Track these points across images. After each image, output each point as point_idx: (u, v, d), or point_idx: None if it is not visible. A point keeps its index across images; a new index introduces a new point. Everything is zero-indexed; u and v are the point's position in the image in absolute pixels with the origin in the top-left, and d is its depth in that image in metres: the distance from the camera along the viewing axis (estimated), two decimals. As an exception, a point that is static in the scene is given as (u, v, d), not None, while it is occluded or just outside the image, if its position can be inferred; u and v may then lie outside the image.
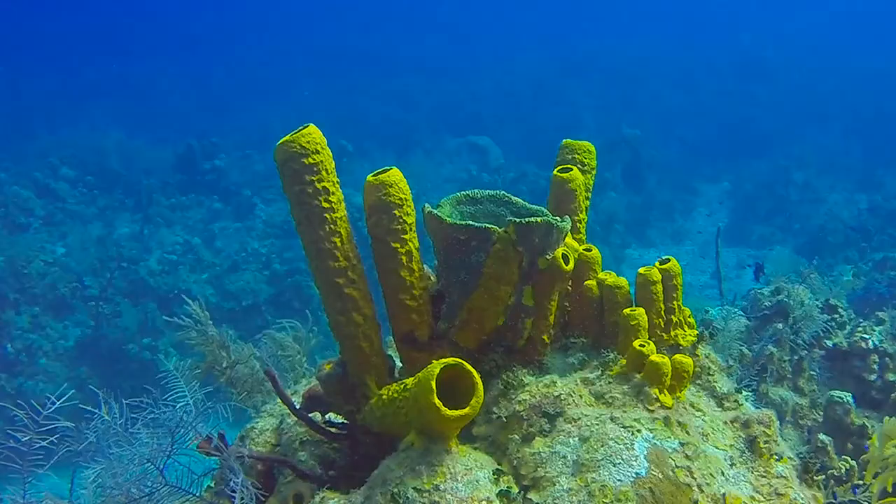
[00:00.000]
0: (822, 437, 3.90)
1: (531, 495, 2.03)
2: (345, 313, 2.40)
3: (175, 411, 2.49)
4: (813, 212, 14.62)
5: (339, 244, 2.32)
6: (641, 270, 2.47)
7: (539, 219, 2.31)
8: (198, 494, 2.45)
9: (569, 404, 2.22)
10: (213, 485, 3.09)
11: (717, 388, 2.47)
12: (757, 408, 2.81)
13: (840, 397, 4.42)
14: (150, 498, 2.38)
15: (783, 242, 13.64)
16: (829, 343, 5.01)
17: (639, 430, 2.09)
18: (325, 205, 2.27)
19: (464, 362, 1.93)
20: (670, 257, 2.50)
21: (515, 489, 2.05)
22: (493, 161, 16.37)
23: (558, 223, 2.35)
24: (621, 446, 2.04)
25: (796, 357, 4.85)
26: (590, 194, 2.95)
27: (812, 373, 4.80)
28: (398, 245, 2.36)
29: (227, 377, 3.53)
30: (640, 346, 2.27)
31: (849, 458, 3.84)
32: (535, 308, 2.47)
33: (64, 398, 2.30)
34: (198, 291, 11.84)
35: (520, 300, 2.45)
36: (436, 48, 28.55)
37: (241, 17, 35.31)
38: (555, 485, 2.02)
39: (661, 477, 1.99)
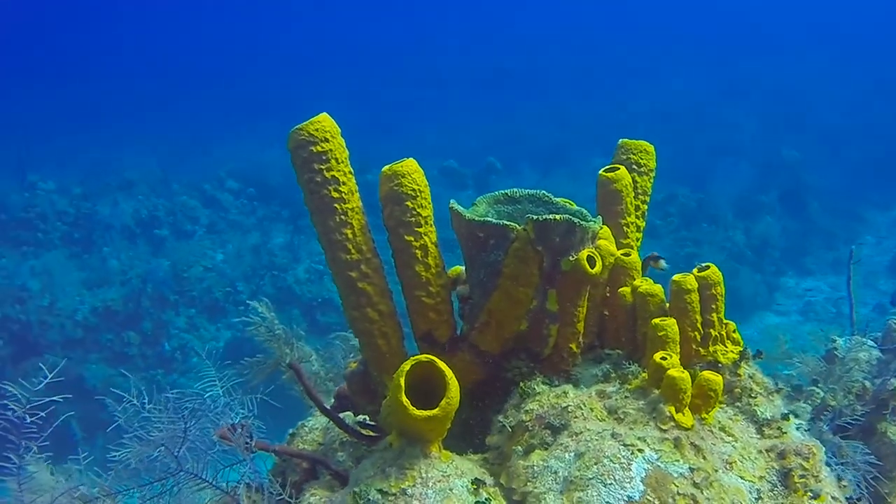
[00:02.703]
0: (944, 488, 3.40)
1: (517, 510, 1.87)
2: (358, 308, 2.34)
3: (194, 399, 2.52)
4: None
5: (350, 236, 2.27)
6: (676, 277, 2.24)
7: (559, 216, 2.15)
8: (212, 482, 2.45)
9: (576, 417, 2.04)
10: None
11: (759, 413, 2.19)
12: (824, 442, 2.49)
13: (979, 446, 3.85)
14: (166, 483, 2.42)
15: (963, 277, 12.28)
16: (975, 384, 4.39)
17: (641, 450, 1.87)
18: (335, 195, 2.23)
19: (436, 360, 1.81)
20: (710, 264, 2.26)
21: (496, 502, 1.90)
22: (642, 181, 15.82)
23: (581, 223, 2.17)
24: (616, 465, 1.83)
25: (932, 397, 4.28)
26: (647, 198, 2.73)
27: (948, 416, 4.21)
28: (412, 238, 2.28)
29: (289, 374, 3.55)
30: (662, 358, 2.05)
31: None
32: (559, 314, 2.30)
33: (56, 370, 2.37)
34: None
35: (543, 304, 2.29)
36: (594, 68, 28.18)
37: (400, 39, 36.53)
38: (540, 502, 1.85)
39: (657, 503, 1.77)
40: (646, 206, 2.73)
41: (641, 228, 2.72)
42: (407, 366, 1.79)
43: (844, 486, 2.27)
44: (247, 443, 2.39)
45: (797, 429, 2.21)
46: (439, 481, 1.84)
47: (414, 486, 1.82)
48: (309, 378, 2.68)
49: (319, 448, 3.08)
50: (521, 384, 2.24)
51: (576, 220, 2.16)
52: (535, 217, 2.16)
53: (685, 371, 2.00)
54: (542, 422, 2.06)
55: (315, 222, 2.29)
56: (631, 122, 21.40)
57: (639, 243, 2.72)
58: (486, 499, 1.87)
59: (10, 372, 10.37)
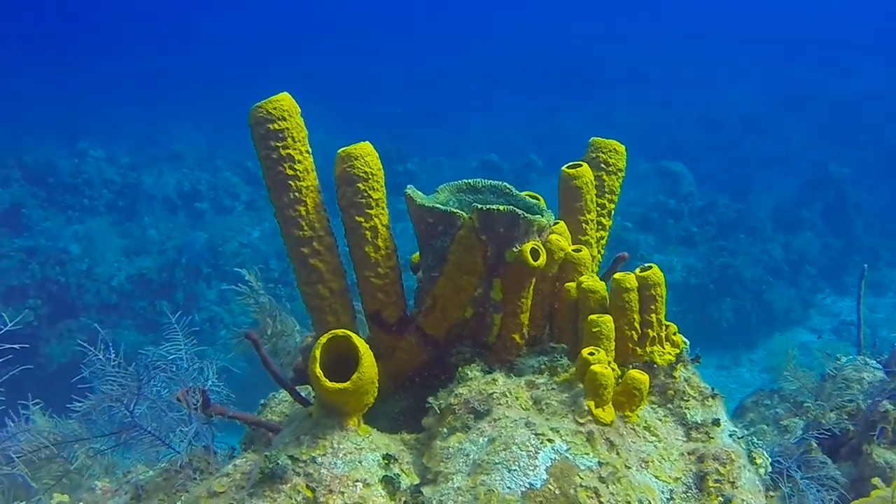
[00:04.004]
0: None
1: (426, 489, 1.92)
2: (309, 284, 2.41)
3: (158, 361, 2.63)
4: None
5: (303, 213, 2.33)
6: (616, 276, 2.25)
7: (502, 207, 2.19)
8: (163, 439, 2.55)
9: (500, 404, 2.08)
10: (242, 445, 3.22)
11: (689, 417, 2.19)
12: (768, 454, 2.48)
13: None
14: (119, 436, 2.53)
15: None
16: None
17: (551, 440, 1.90)
18: (290, 172, 2.30)
19: (352, 335, 1.87)
20: (653, 265, 2.27)
21: (408, 478, 1.95)
22: (684, 188, 15.64)
23: (525, 215, 2.21)
24: (523, 453, 1.87)
25: (926, 423, 4.19)
26: (615, 197, 2.74)
27: (943, 444, 4.11)
28: (362, 219, 2.34)
29: (271, 345, 3.65)
30: (590, 353, 2.08)
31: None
32: (503, 304, 2.33)
33: (16, 320, 2.49)
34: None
35: (488, 293, 2.33)
36: (649, 73, 27.83)
37: (457, 34, 36.63)
38: (448, 482, 1.90)
39: (557, 493, 1.80)
40: (613, 206, 2.73)
41: (607, 227, 2.73)
42: (324, 339, 1.85)
43: (772, 497, 2.26)
44: (195, 405, 2.47)
45: (730, 436, 2.21)
46: (350, 453, 1.90)
47: (324, 455, 1.88)
48: (266, 348, 2.76)
49: (285, 419, 3.17)
50: (459, 369, 2.29)
51: (519, 211, 2.19)
52: (479, 206, 2.20)
53: (608, 367, 2.02)
54: (467, 406, 2.11)
55: (271, 198, 2.36)
56: (678, 128, 21.16)
57: (603, 241, 2.73)
58: (395, 474, 1.92)
59: (45, 331, 10.72)
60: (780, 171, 17.46)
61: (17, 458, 2.51)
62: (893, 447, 4.14)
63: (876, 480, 2.04)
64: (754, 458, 2.50)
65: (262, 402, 3.43)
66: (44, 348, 10.10)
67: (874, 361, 4.64)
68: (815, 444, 4.25)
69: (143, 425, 2.55)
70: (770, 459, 2.79)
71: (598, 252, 2.71)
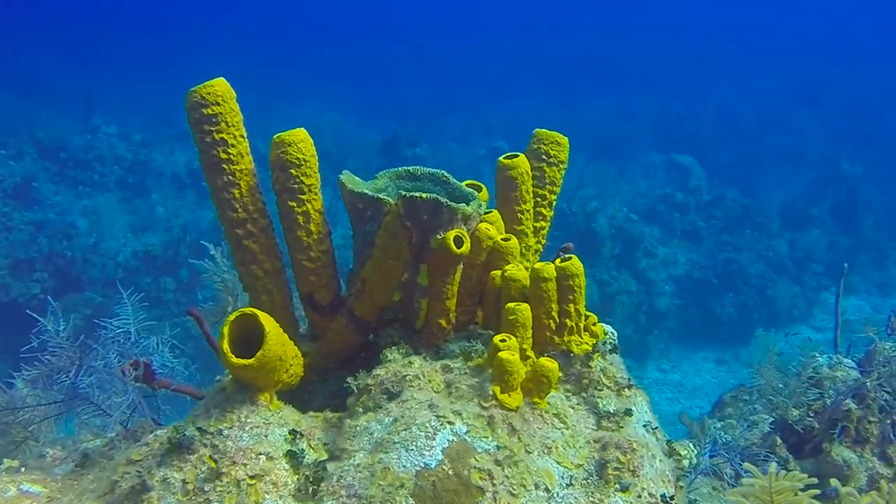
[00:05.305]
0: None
1: (330, 464, 1.98)
2: (244, 265, 2.47)
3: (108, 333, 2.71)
4: None
5: (237, 195, 2.39)
6: (536, 265, 2.30)
7: (425, 195, 2.24)
8: (104, 409, 2.64)
9: (412, 386, 2.14)
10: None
11: (601, 406, 2.24)
12: (711, 453, 2.53)
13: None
14: (63, 405, 2.62)
15: None
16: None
17: (451, 423, 1.96)
18: (223, 155, 2.35)
19: (258, 314, 1.93)
20: (573, 255, 2.31)
21: (315, 454, 2.02)
22: (692, 181, 15.57)
23: (448, 203, 2.26)
24: (421, 433, 1.93)
25: (889, 421, 4.21)
26: (556, 188, 2.77)
27: (907, 442, 4.13)
28: (294, 204, 2.40)
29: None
30: (501, 340, 2.13)
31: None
32: (429, 289, 2.39)
33: None
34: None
35: (414, 278, 2.39)
36: (663, 66, 27.66)
37: (476, 23, 36.58)
38: (351, 458, 1.96)
39: (450, 473, 1.86)
40: (554, 196, 2.77)
41: (547, 217, 2.76)
42: (233, 316, 1.92)
43: (681, 487, 2.31)
44: (136, 377, 2.56)
45: (644, 426, 2.26)
46: (258, 427, 1.97)
47: (231, 427, 1.95)
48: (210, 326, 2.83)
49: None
50: (384, 351, 2.35)
51: (442, 199, 2.24)
52: (403, 193, 2.25)
53: (516, 354, 2.08)
54: (381, 387, 2.17)
55: (207, 181, 2.42)
56: (693, 121, 21.03)
57: (544, 231, 2.77)
58: (301, 449, 1.99)
59: (50, 304, 10.87)
60: (791, 167, 17.35)
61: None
62: (855, 445, 4.17)
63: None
64: (676, 450, 2.54)
65: (217, 378, 3.52)
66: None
67: (849, 360, 4.66)
68: (779, 441, 4.28)
69: (89, 395, 2.64)
70: (695, 451, 2.84)
71: (538, 242, 2.75)
